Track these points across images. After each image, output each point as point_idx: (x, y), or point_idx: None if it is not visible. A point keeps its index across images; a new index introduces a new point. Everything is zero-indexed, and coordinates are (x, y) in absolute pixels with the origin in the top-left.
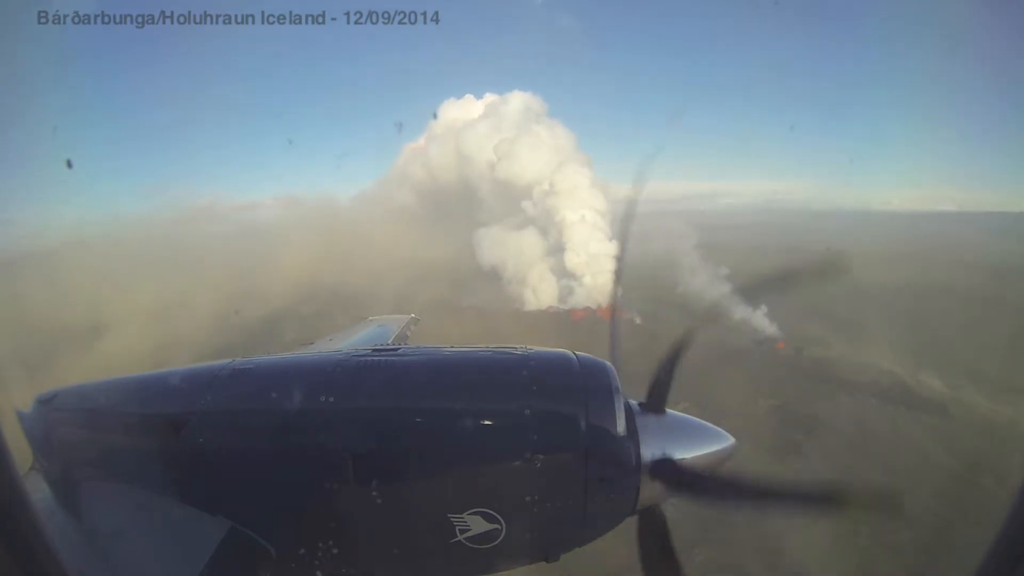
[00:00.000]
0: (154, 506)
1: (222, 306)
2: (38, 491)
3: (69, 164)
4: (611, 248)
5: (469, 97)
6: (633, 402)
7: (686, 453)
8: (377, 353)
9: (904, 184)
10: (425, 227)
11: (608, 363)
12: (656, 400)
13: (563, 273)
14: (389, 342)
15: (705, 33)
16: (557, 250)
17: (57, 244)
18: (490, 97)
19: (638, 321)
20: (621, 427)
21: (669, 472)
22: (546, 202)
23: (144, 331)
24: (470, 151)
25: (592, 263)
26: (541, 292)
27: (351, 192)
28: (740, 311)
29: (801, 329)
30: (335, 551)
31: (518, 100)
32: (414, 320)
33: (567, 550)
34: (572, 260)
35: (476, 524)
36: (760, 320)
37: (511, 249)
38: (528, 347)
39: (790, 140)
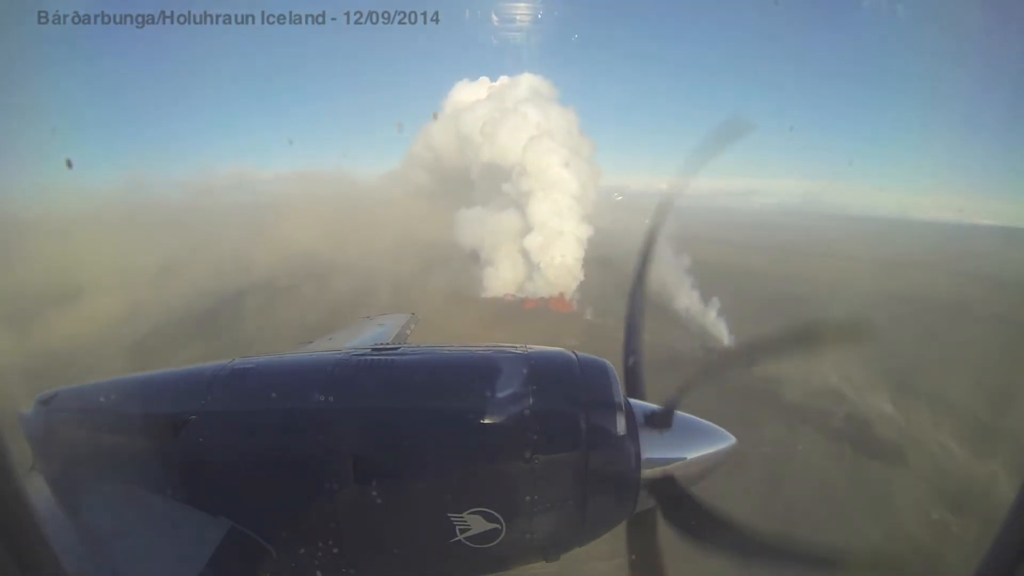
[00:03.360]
0: (154, 506)
1: (202, 274)
2: (38, 491)
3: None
4: (579, 233)
5: (484, 79)
6: (634, 402)
7: (686, 453)
8: (377, 353)
9: (944, 192)
10: (428, 207)
11: (608, 363)
12: (664, 413)
13: (528, 259)
14: (389, 342)
15: (741, 24)
16: (525, 235)
17: (55, 213)
18: (504, 80)
19: (588, 317)
20: (621, 427)
21: (668, 497)
22: (519, 183)
23: (116, 296)
24: (468, 133)
25: (551, 250)
26: (501, 278)
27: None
28: (694, 311)
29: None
30: (335, 551)
31: (526, 83)
32: (413, 319)
33: (567, 550)
34: (531, 246)
35: (476, 524)
36: (715, 324)
37: (487, 232)
38: (528, 346)
39: (830, 140)
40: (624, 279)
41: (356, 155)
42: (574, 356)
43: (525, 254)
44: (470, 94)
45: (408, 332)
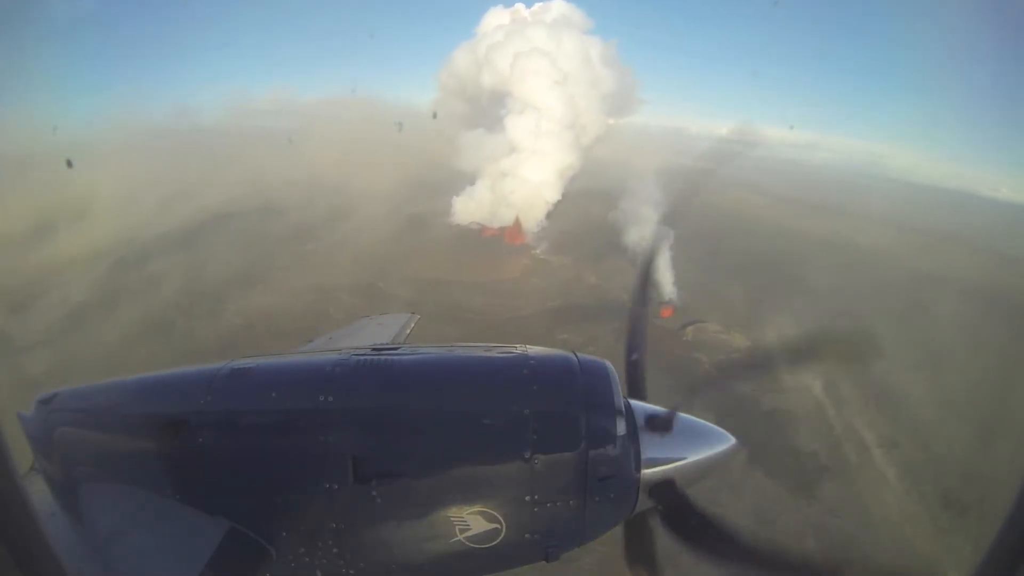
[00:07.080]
0: (154, 506)
1: (213, 200)
2: (38, 491)
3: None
4: (560, 159)
5: (519, 6)
6: (635, 402)
7: (686, 454)
8: (377, 353)
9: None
10: (450, 134)
11: (609, 364)
12: (666, 418)
13: (503, 183)
14: (389, 341)
15: None
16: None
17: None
18: (537, 7)
19: (537, 251)
20: (621, 428)
21: (668, 502)
22: (511, 106)
23: (124, 219)
24: (483, 59)
25: (520, 171)
26: (475, 202)
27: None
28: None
29: (731, 303)
30: (335, 551)
31: (554, 10)
32: (413, 318)
33: (567, 550)
34: (506, 168)
35: (476, 524)
36: (663, 276)
37: (479, 156)
38: (528, 347)
39: (904, 101)
40: (606, 211)
41: (409, 82)
42: (575, 357)
43: (503, 178)
44: (499, 20)
45: (408, 332)
